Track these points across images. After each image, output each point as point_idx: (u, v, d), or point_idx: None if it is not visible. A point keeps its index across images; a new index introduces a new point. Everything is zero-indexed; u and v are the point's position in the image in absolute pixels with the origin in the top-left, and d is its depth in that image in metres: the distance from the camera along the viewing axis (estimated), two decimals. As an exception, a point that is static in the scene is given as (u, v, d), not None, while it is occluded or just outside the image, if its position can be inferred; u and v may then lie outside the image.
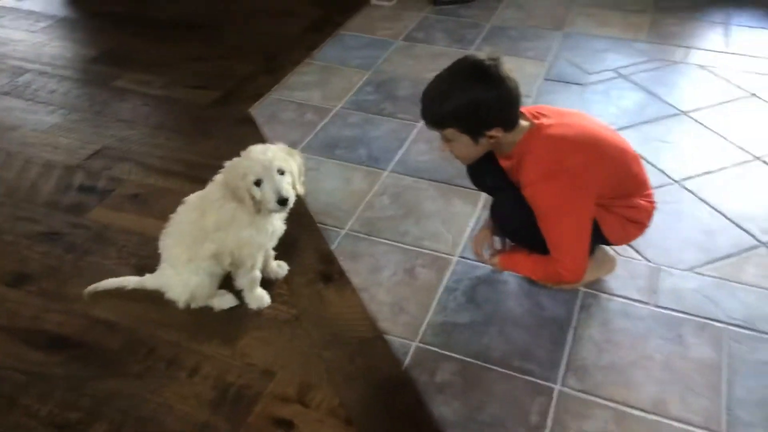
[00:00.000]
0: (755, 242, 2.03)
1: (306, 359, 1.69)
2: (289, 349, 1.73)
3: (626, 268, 1.94)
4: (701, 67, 3.01)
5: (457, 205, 2.20)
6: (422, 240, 2.07)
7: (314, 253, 2.03)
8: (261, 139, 2.55)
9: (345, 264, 1.99)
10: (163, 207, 2.20)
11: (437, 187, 2.29)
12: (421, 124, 2.63)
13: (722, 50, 3.14)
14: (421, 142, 2.53)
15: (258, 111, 2.76)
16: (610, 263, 1.90)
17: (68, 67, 3.12)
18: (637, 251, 1.99)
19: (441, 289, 1.89)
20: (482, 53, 1.55)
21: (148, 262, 1.95)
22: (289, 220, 1.86)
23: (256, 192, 1.63)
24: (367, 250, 2.03)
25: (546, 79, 2.92)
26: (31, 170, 2.40)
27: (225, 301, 1.85)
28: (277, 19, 3.58)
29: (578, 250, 1.62)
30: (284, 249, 1.96)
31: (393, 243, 2.06)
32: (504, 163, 1.71)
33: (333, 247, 2.05)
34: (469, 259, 1.99)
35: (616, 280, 1.90)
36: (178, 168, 2.41)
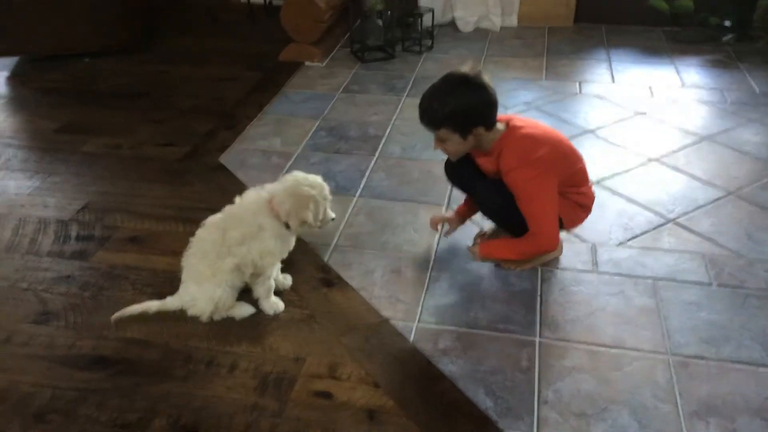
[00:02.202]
0: (664, 220, 2.53)
1: (328, 346, 1.98)
2: (311, 340, 2.00)
3: (571, 248, 2.37)
4: (596, 96, 3.61)
5: (423, 217, 2.58)
6: (401, 246, 2.42)
7: (312, 265, 2.33)
8: (237, 183, 2.85)
9: (340, 271, 2.30)
10: (164, 245, 2.45)
11: (403, 204, 2.67)
12: (376, 156, 3.02)
13: (609, 82, 3.78)
14: (380, 171, 2.91)
15: (227, 159, 3.05)
16: (560, 246, 2.33)
17: (34, 138, 3.29)
18: (577, 236, 2.43)
19: (427, 281, 2.24)
20: (465, 67, 1.97)
21: (163, 290, 2.18)
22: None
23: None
24: (357, 259, 2.36)
25: (473, 114, 3.41)
26: (27, 227, 2.56)
27: (244, 310, 2.11)
28: (221, 84, 3.91)
29: (552, 221, 2.05)
30: (286, 264, 2.25)
31: (377, 251, 2.40)
32: (483, 160, 2.12)
33: (326, 259, 2.36)
34: (444, 256, 2.36)
35: (565, 259, 2.33)
36: (169, 212, 2.65)
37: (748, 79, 3.72)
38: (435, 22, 4.48)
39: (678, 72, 3.87)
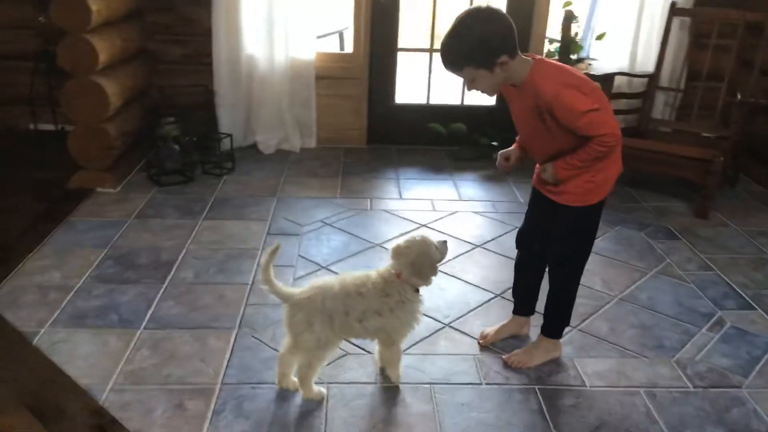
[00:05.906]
0: (441, 324, 2.72)
1: (93, 500, 1.81)
2: (74, 496, 1.83)
3: (356, 361, 2.45)
4: (385, 211, 3.88)
5: (212, 344, 2.53)
6: (185, 378, 2.34)
7: (83, 411, 2.16)
8: (3, 327, 2.61)
9: (116, 413, 2.15)
10: None
11: (191, 333, 2.60)
12: (167, 283, 2.95)
13: (398, 198, 4.10)
14: (169, 299, 2.83)
15: (-4, 299, 2.80)
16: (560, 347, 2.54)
17: None
18: (362, 348, 2.52)
19: (210, 414, 2.17)
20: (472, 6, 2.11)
21: None
22: (48, 388, 2.07)
23: None
24: (136, 398, 2.23)
25: (269, 234, 3.48)
26: None
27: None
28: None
29: (611, 118, 2.04)
30: (49, 415, 2.07)
31: (159, 386, 2.29)
32: (518, 98, 2.15)
33: (101, 401, 2.20)
34: (231, 383, 2.32)
35: (352, 371, 2.39)
36: None
37: (514, 191, 4.24)
38: (237, 145, 4.60)
39: (456, 186, 4.31)
